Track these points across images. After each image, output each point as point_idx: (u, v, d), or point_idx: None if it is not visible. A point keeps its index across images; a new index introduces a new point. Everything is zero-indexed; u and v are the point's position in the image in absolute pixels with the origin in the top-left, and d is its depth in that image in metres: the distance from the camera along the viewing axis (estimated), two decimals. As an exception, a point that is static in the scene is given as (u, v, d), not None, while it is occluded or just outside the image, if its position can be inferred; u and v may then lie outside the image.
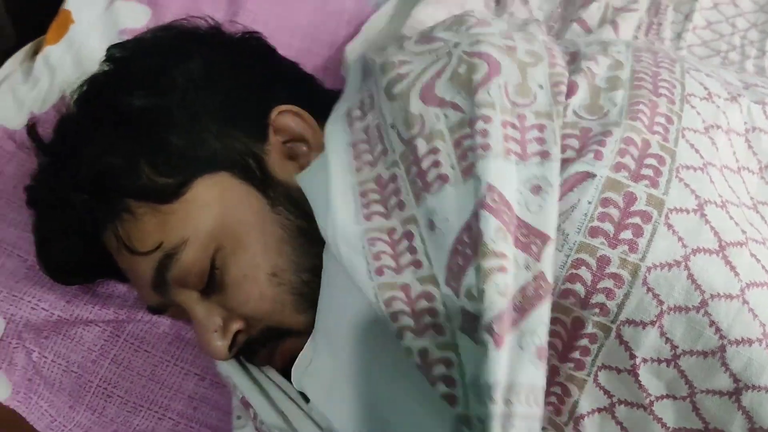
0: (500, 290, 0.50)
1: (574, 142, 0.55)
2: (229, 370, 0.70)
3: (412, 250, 0.56)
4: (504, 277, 0.50)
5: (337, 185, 0.60)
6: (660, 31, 0.86)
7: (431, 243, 0.55)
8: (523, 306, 0.50)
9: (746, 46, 0.89)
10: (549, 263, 0.51)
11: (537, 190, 0.52)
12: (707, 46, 0.89)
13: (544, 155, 0.54)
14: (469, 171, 0.53)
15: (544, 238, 0.51)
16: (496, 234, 0.51)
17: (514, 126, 0.55)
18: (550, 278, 0.51)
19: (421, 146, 0.57)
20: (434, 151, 0.56)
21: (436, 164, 0.55)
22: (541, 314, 0.50)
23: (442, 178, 0.55)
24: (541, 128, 0.55)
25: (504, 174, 0.53)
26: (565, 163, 0.54)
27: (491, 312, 0.50)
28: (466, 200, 0.53)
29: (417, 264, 0.55)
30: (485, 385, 0.49)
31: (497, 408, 0.49)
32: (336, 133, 0.64)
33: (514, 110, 0.56)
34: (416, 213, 0.56)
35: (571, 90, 0.58)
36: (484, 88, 0.56)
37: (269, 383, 0.70)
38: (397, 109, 0.59)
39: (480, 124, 0.54)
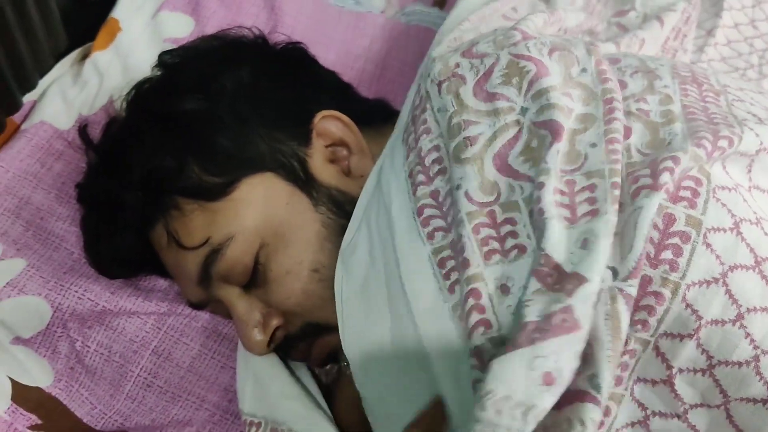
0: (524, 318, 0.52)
1: (647, 180, 0.56)
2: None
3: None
4: (530, 309, 0.52)
5: (409, 261, 0.61)
6: (684, 42, 0.89)
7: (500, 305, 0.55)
8: (543, 329, 0.50)
9: (764, 66, 0.92)
10: (581, 301, 0.51)
11: (585, 243, 0.53)
12: (726, 63, 0.93)
13: (594, 213, 0.55)
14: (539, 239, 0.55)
15: (580, 279, 0.51)
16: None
17: (563, 192, 0.56)
18: (580, 316, 0.50)
19: (499, 215, 0.58)
20: (511, 221, 0.57)
21: (513, 234, 0.57)
22: (560, 345, 0.50)
23: (520, 249, 0.56)
24: (592, 188, 0.56)
25: (553, 238, 0.54)
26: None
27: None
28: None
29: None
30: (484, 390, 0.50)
31: (485, 414, 0.49)
32: (400, 203, 0.64)
33: (563, 177, 0.57)
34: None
35: (627, 134, 0.59)
36: (546, 158, 0.58)
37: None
38: (471, 174, 0.59)
39: (536, 192, 0.56)
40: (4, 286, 0.76)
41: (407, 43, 1.07)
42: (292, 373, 0.74)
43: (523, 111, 0.61)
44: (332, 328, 0.69)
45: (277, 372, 0.73)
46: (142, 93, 0.76)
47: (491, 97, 0.62)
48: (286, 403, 0.71)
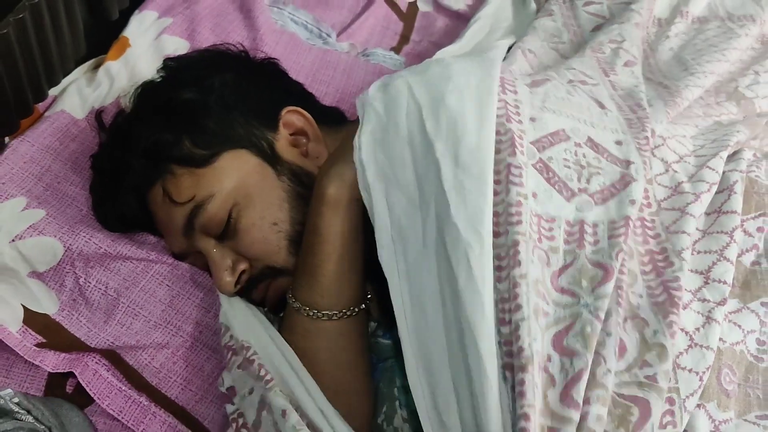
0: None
1: None
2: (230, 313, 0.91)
3: None
4: None
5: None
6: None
7: None
8: None
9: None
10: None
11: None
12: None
13: None
14: None
15: None
16: None
17: None
18: None
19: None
20: None
21: None
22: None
23: None
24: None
25: None
26: None
27: None
28: None
29: None
30: None
31: None
32: None
33: None
34: None
35: None
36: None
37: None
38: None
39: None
40: (27, 228, 0.95)
41: (365, 76, 1.30)
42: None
43: (586, 306, 0.71)
44: (285, 272, 0.89)
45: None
46: (149, 87, 0.98)
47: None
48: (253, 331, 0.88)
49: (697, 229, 0.83)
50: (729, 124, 0.95)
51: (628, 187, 0.78)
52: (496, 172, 0.75)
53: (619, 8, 1.17)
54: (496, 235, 0.72)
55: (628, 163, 0.80)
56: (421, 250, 0.75)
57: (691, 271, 0.80)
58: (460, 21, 1.46)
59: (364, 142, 0.81)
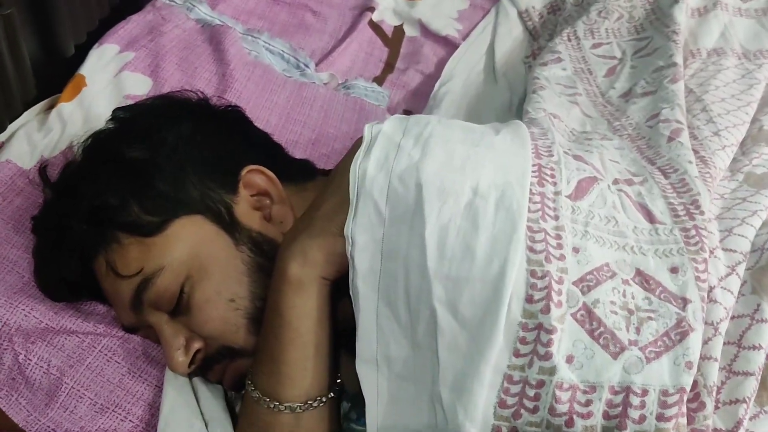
0: None
1: None
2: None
3: None
4: None
5: None
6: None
7: None
8: None
9: None
10: None
11: None
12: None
13: None
14: None
15: None
16: None
17: None
18: None
19: None
20: None
21: None
22: None
23: None
24: None
25: None
26: None
27: None
28: None
29: None
30: None
31: None
32: None
33: None
34: None
35: None
36: None
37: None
38: None
39: None
40: (-41, 302, 0.86)
41: (344, 113, 1.21)
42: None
43: None
44: (244, 353, 0.80)
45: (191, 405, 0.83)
46: (97, 140, 0.88)
47: None
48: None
49: None
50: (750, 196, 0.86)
51: (686, 340, 0.68)
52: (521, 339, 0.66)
53: (632, 46, 1.10)
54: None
55: (685, 302, 0.70)
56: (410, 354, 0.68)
57: None
58: (448, 47, 1.39)
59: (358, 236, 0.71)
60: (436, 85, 1.29)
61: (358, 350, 0.71)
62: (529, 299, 0.67)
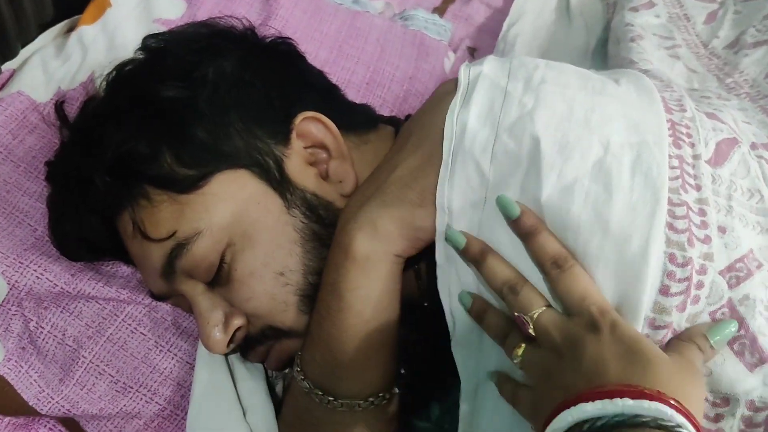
0: None
1: None
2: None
3: None
4: None
5: None
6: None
7: None
8: None
9: None
10: None
11: None
12: None
13: None
14: None
15: None
16: None
17: None
18: None
19: None
20: None
21: None
22: None
23: None
24: None
25: None
26: None
27: None
28: None
29: None
30: None
31: None
32: None
33: None
34: None
35: None
36: None
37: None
38: None
39: None
40: (-40, 258, 0.74)
41: (402, 48, 1.06)
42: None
43: None
44: (292, 333, 0.68)
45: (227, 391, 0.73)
46: (124, 74, 0.74)
47: None
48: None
49: None
50: None
51: None
52: None
53: None
54: None
55: None
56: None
57: None
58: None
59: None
60: (505, 24, 1.14)
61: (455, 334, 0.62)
62: (664, 291, 0.54)
